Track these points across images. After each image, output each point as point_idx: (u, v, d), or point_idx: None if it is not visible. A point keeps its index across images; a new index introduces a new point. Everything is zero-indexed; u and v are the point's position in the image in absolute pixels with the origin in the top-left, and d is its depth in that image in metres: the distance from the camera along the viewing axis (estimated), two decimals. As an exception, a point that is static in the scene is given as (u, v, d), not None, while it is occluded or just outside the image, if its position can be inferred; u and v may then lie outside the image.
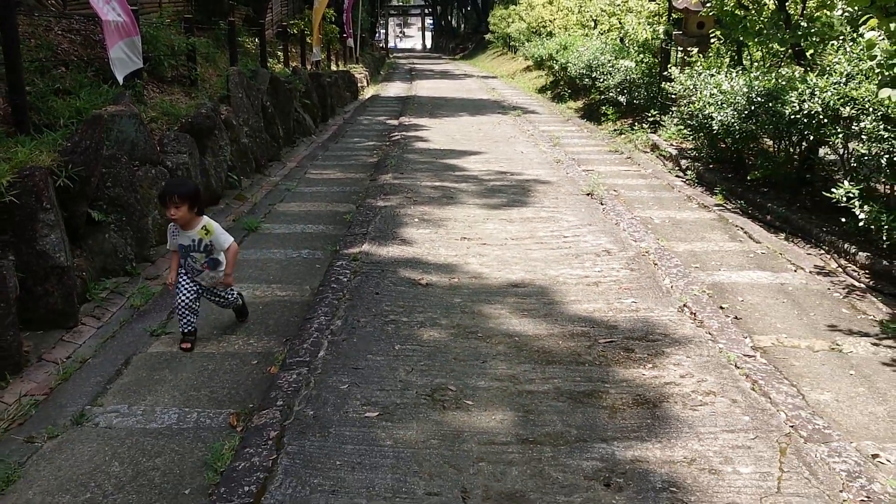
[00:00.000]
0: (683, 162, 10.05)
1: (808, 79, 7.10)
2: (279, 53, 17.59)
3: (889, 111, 5.64)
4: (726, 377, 4.03)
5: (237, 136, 9.70)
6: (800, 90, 7.06)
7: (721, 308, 5.09)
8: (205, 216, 4.76)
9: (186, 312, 4.66)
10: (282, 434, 3.46)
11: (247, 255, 6.46)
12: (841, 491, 3.04)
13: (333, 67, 23.49)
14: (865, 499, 2.97)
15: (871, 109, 5.97)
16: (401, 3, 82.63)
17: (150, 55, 9.21)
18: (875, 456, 3.34)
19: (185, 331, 4.68)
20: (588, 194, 8.41)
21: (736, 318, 4.96)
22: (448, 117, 16.34)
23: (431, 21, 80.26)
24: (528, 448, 3.36)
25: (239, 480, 3.11)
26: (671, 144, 11.01)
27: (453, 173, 9.76)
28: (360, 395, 3.85)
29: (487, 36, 43.27)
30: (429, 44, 78.00)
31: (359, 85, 23.41)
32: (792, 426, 3.51)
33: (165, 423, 3.74)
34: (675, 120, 10.86)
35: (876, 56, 6.00)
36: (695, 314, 4.91)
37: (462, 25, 71.50)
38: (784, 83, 7.60)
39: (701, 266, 6.00)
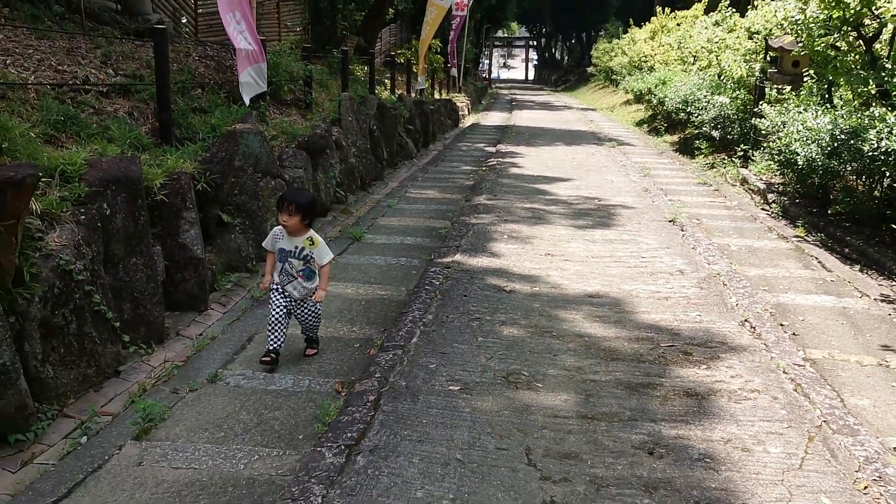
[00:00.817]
0: (770, 196, 10.35)
1: (886, 118, 7.41)
2: (386, 81, 18.61)
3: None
4: (772, 380, 4.49)
5: (346, 155, 10.60)
6: (878, 128, 7.39)
7: (781, 325, 5.51)
8: (311, 229, 4.93)
9: (276, 328, 4.75)
10: (378, 398, 4.14)
11: (351, 259, 7.24)
12: (856, 471, 3.48)
13: (437, 96, 24.48)
14: (877, 478, 3.41)
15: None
16: (506, 35, 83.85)
17: (273, 80, 10.20)
18: (896, 449, 3.76)
19: (270, 347, 4.74)
20: (670, 221, 8.87)
21: (794, 334, 5.37)
22: (544, 146, 16.96)
23: (535, 53, 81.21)
24: (586, 422, 3.92)
25: (343, 430, 3.79)
26: (760, 179, 11.30)
27: (543, 197, 10.38)
28: (446, 373, 4.50)
29: (590, 69, 43.77)
30: (531, 75, 78.94)
31: (460, 113, 24.31)
32: (824, 421, 3.96)
33: (282, 386, 4.48)
34: (765, 155, 11.17)
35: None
36: (754, 328, 5.36)
37: (566, 58, 72.19)
38: (865, 122, 7.91)
39: (769, 289, 6.41)
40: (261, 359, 4.75)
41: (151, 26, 10.09)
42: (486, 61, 69.04)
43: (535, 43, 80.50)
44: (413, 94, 19.50)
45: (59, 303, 4.30)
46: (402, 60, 21.44)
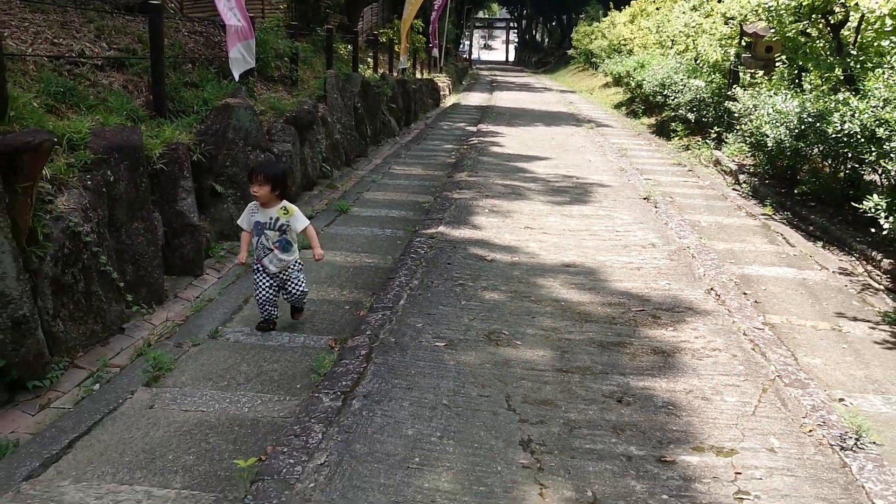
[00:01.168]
0: (742, 177, 10.75)
1: (850, 102, 7.81)
2: (369, 60, 18.80)
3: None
4: (733, 340, 4.88)
5: (331, 132, 10.86)
6: (842, 112, 7.77)
7: (744, 294, 5.90)
8: (286, 201, 4.96)
9: (266, 304, 4.92)
10: (370, 352, 4.47)
11: (339, 230, 7.54)
12: (804, 417, 3.87)
13: (418, 76, 24.66)
14: (822, 423, 3.79)
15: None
16: (486, 17, 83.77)
17: (260, 57, 10.41)
18: (841, 400, 4.15)
19: (264, 318, 4.98)
20: (645, 199, 9.24)
21: (755, 301, 5.76)
22: (524, 126, 17.29)
23: (516, 34, 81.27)
24: (561, 375, 4.28)
25: (338, 379, 4.12)
26: (732, 160, 11.70)
27: (523, 174, 10.72)
28: (432, 331, 4.84)
29: (570, 52, 44.04)
30: (512, 57, 78.91)
31: (441, 93, 24.54)
32: (777, 375, 4.34)
33: (279, 342, 4.80)
34: (738, 138, 11.57)
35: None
36: (719, 295, 5.74)
37: (546, 40, 72.38)
38: (831, 105, 8.30)
39: (735, 261, 6.79)
40: (257, 324, 5.02)
41: (142, 1, 10.30)
42: (467, 42, 69.05)
43: (515, 25, 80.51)
44: (395, 74, 19.71)
45: (69, 262, 4.58)
46: (385, 40, 21.61)
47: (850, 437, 3.64)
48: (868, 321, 5.44)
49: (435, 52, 29.18)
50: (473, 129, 16.80)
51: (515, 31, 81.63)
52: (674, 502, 3.12)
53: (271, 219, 4.89)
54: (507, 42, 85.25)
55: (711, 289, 5.91)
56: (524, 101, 25.53)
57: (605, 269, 6.38)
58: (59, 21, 8.12)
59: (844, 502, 3.17)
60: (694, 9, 18.54)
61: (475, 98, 27.07)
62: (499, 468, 3.32)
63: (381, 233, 7.53)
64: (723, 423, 3.79)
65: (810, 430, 3.74)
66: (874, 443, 3.64)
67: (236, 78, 9.04)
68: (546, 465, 3.35)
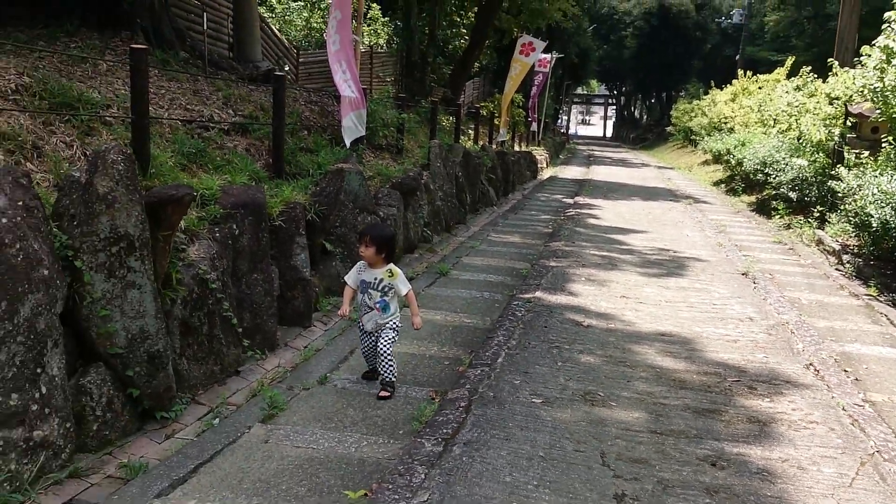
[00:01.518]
0: (845, 257, 10.56)
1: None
2: (470, 132, 19.41)
3: None
4: (831, 414, 4.86)
5: (433, 198, 11.28)
6: (950, 193, 7.66)
7: (844, 371, 5.84)
8: (391, 264, 5.18)
9: (369, 357, 5.25)
10: (469, 404, 4.67)
11: (439, 291, 7.83)
12: (903, 492, 3.84)
13: (517, 148, 25.21)
14: (922, 499, 3.76)
15: None
16: (585, 92, 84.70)
17: (370, 126, 11.00)
18: (944, 478, 4.08)
19: (369, 368, 5.28)
20: (743, 274, 9.22)
21: (856, 379, 5.70)
22: (621, 200, 17.41)
23: (614, 110, 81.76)
24: (655, 436, 4.37)
25: (439, 427, 4.33)
26: (835, 240, 11.51)
27: (619, 246, 10.83)
28: (529, 388, 5.00)
29: (669, 128, 44.06)
30: (609, 132, 79.31)
31: (539, 165, 24.95)
32: (877, 450, 4.31)
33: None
34: (841, 217, 11.41)
35: None
36: (818, 371, 5.71)
37: (644, 117, 72.51)
38: (939, 187, 8.19)
39: (836, 339, 6.72)
40: (363, 373, 5.32)
41: (266, 72, 11.10)
42: (565, 117, 69.83)
43: (613, 101, 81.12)
44: (494, 145, 20.23)
45: (196, 306, 4.99)
46: (485, 113, 22.28)
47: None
48: (976, 404, 5.30)
49: (534, 125, 29.76)
50: (570, 201, 17.03)
51: (613, 106, 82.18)
52: (767, 563, 3.17)
53: (376, 279, 5.11)
54: (605, 117, 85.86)
55: (810, 364, 5.87)
56: (621, 175, 25.66)
57: (700, 339, 6.42)
58: (191, 89, 8.86)
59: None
60: (797, 89, 18.44)
61: (572, 171, 27.35)
62: (587, 497, 3.44)
63: (480, 295, 7.78)
64: (818, 493, 3.81)
65: (911, 506, 3.72)
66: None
67: (347, 145, 9.60)
68: (639, 519, 3.46)
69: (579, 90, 76.00)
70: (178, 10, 11.53)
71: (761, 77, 25.63)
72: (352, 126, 9.80)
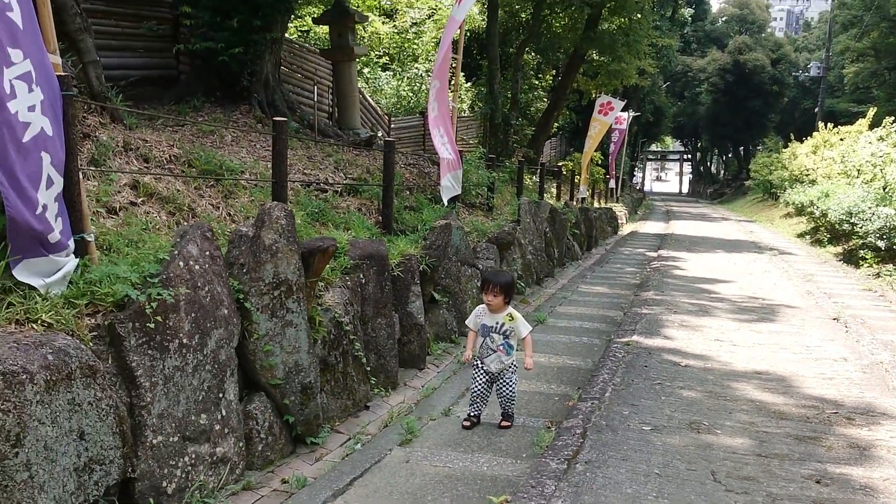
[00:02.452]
0: (937, 302, 10.63)
1: None
2: (553, 189, 19.98)
3: None
4: (930, 441, 5.12)
5: (524, 252, 11.83)
6: None
7: (941, 405, 6.07)
8: (510, 306, 5.57)
9: (477, 399, 5.47)
10: (585, 431, 5.12)
11: (539, 337, 8.30)
12: None
13: (596, 205, 25.64)
14: None
15: None
16: (659, 149, 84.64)
17: (463, 185, 11.67)
18: None
19: (471, 414, 5.48)
20: (834, 319, 9.42)
21: (954, 412, 5.92)
22: (704, 252, 17.64)
23: (690, 166, 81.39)
24: (760, 459, 4.73)
25: (560, 450, 4.79)
26: (927, 286, 11.56)
27: (708, 295, 11.14)
28: (637, 418, 5.43)
29: (747, 182, 43.81)
30: (685, 188, 78.88)
31: (619, 221, 25.30)
32: (976, 472, 4.58)
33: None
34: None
35: None
36: (915, 405, 5.95)
37: (721, 171, 72.00)
38: None
39: (931, 377, 6.92)
40: (462, 423, 5.48)
41: (367, 138, 11.95)
42: (640, 174, 69.90)
43: (689, 156, 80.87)
44: (575, 202, 20.74)
45: (333, 346, 5.61)
46: (565, 171, 22.87)
47: None
48: None
49: (612, 182, 30.18)
50: (653, 254, 17.34)
51: (689, 162, 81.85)
52: (874, 561, 3.51)
53: (497, 323, 5.40)
54: (681, 173, 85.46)
55: (907, 398, 6.12)
56: (702, 229, 25.78)
57: (796, 377, 6.72)
58: (306, 155, 9.71)
59: None
60: (881, 139, 18.51)
61: (652, 227, 27.58)
62: (709, 523, 3.84)
63: (578, 340, 8.23)
64: (921, 506, 4.12)
65: None
66: None
67: (445, 203, 10.26)
68: (752, 524, 3.84)
69: (654, 147, 76.07)
70: (286, 83, 12.54)
71: (843, 129, 25.62)
72: (449, 185, 10.48)
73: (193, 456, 4.12)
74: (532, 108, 22.85)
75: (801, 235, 22.70)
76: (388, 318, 6.53)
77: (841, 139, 25.01)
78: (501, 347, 5.41)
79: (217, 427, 4.30)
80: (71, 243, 3.99)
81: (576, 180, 22.54)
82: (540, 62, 24.73)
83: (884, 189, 16.93)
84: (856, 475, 4.51)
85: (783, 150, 34.98)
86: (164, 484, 3.91)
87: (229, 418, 4.40)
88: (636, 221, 30.64)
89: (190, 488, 4.06)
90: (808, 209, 22.19)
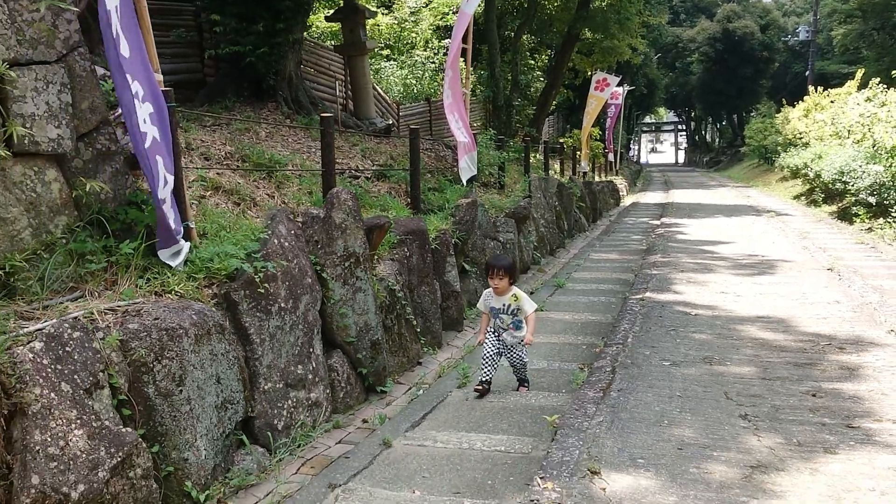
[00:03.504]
0: (925, 250, 11.47)
1: None
2: (556, 166, 20.78)
3: None
4: (910, 361, 5.98)
5: (538, 225, 12.66)
6: None
7: (922, 334, 6.92)
8: (514, 286, 5.83)
9: (486, 364, 5.76)
10: (614, 368, 5.97)
11: (560, 299, 9.16)
12: (966, 403, 4.96)
13: (597, 178, 26.43)
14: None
15: None
16: (654, 121, 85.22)
17: (477, 166, 12.48)
18: None
19: (482, 379, 5.72)
20: (828, 269, 10.27)
21: (933, 339, 6.77)
22: (704, 218, 18.47)
23: (684, 136, 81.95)
24: (765, 381, 5.59)
25: (594, 384, 5.64)
26: (915, 236, 12.40)
27: (711, 255, 11.99)
28: (657, 356, 6.28)
29: (742, 149, 44.56)
30: (681, 158, 79.45)
31: (620, 193, 26.12)
32: (947, 381, 5.43)
33: (540, 367, 6.40)
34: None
35: None
36: (898, 334, 6.81)
37: (716, 139, 72.63)
38: None
39: (915, 313, 7.77)
40: (474, 387, 5.79)
41: (385, 126, 12.74)
42: (636, 146, 70.60)
43: (683, 126, 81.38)
44: (578, 177, 21.55)
45: (389, 310, 6.45)
46: (566, 148, 23.65)
47: None
48: None
49: (611, 156, 30.96)
50: (656, 222, 18.18)
51: (683, 133, 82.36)
52: (859, 446, 4.36)
53: (504, 304, 5.75)
54: (676, 144, 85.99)
55: (891, 330, 6.97)
56: (701, 197, 26.60)
57: (794, 318, 7.57)
58: (335, 146, 10.49)
59: None
60: (868, 100, 19.28)
61: (652, 197, 28.40)
62: (726, 427, 4.69)
63: (596, 299, 9.09)
64: (898, 408, 4.98)
65: (972, 412, 4.84)
66: None
67: (464, 183, 11.07)
68: (760, 426, 4.70)
69: (648, 119, 76.69)
70: (304, 79, 13.31)
71: (832, 91, 26.37)
72: (466, 167, 11.29)
73: (294, 400, 4.97)
74: (532, 89, 23.61)
75: (796, 197, 23.52)
76: (430, 285, 7.38)
77: (831, 101, 25.73)
78: (512, 325, 5.76)
79: (310, 376, 5.14)
80: (182, 229, 4.82)
81: (577, 156, 23.32)
82: (536, 43, 25.45)
83: (873, 147, 17.72)
84: (846, 389, 5.37)
85: (776, 115, 35.70)
86: (276, 422, 4.77)
87: (318, 369, 5.25)
88: (636, 193, 31.46)
89: (294, 426, 4.92)
90: (803, 171, 23.00)
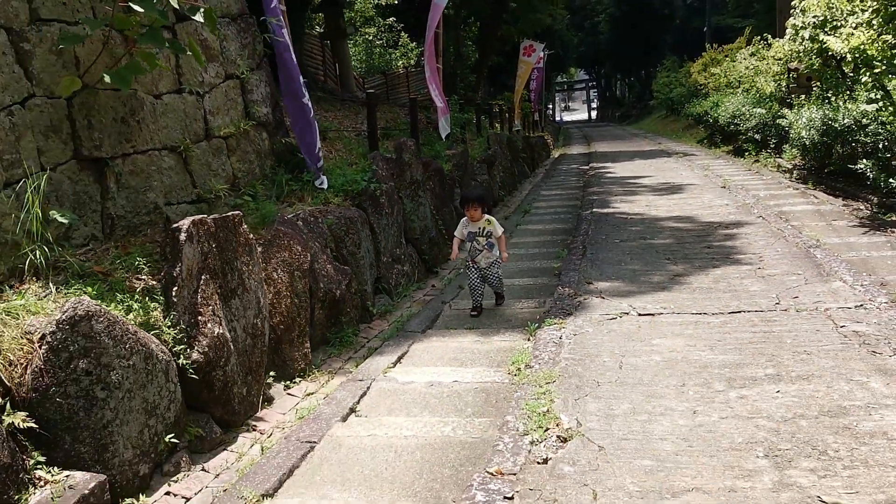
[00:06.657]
0: (795, 172, 15.10)
1: (848, 106, 12.23)
2: (496, 125, 23.97)
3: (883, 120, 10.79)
4: (769, 230, 9.42)
5: (500, 170, 15.86)
6: (843, 113, 12.20)
7: (780, 217, 10.38)
8: (486, 214, 6.95)
9: (475, 292, 6.96)
10: (584, 244, 9.23)
11: (530, 219, 12.40)
12: (795, 246, 8.38)
13: (527, 135, 29.78)
14: (797, 235, 8.30)
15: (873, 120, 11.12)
16: (565, 80, 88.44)
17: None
18: (818, 240, 8.62)
19: (474, 304, 6.93)
20: (722, 187, 13.78)
21: (787, 220, 10.24)
22: (625, 161, 22.02)
23: (596, 94, 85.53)
24: (679, 244, 8.93)
25: (574, 251, 8.88)
26: (789, 163, 16.05)
27: (634, 185, 15.45)
28: (609, 238, 9.62)
29: (651, 102, 48.57)
30: (594, 115, 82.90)
31: (550, 147, 29.51)
32: (787, 235, 8.86)
33: (522, 268, 9.59)
34: (791, 146, 15.95)
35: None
36: (764, 218, 10.26)
37: (627, 95, 76.78)
38: (838, 112, 12.73)
39: (777, 207, 11.27)
40: (470, 313, 6.98)
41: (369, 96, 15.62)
42: (550, 105, 74.08)
43: (594, 84, 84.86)
44: (514, 134, 24.80)
45: (434, 222, 9.53)
46: (497, 109, 26.86)
47: (814, 244, 8.16)
48: (849, 221, 9.85)
49: (536, 115, 34.33)
50: (586, 167, 21.62)
51: (595, 90, 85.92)
52: (731, 265, 7.69)
53: (480, 228, 6.85)
54: (588, 101, 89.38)
55: (760, 216, 10.43)
56: (619, 146, 30.27)
57: (697, 215, 10.99)
58: (340, 114, 13.41)
59: (809, 263, 7.70)
60: (752, 55, 23.03)
61: (576, 149, 31.98)
62: (657, 263, 8.01)
63: (557, 215, 12.40)
64: (759, 247, 8.36)
65: (796, 245, 8.26)
66: (823, 245, 8.14)
67: (444, 138, 14.14)
68: (677, 261, 8.03)
69: (559, 78, 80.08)
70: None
71: (725, 47, 30.22)
72: (443, 125, 14.34)
73: (396, 269, 8.05)
74: (471, 60, 26.65)
75: (700, 141, 27.31)
76: (449, 208, 10.49)
77: (725, 56, 29.58)
78: (487, 246, 6.87)
79: (402, 256, 8.22)
80: (322, 166, 7.79)
81: (510, 115, 26.55)
82: (466, 16, 28.43)
83: (757, 94, 21.45)
84: (727, 244, 8.76)
85: (679, 69, 39.62)
86: (391, 281, 7.84)
87: (403, 253, 8.32)
88: (560, 148, 34.98)
89: (399, 286, 8.00)
90: (704, 118, 26.74)
